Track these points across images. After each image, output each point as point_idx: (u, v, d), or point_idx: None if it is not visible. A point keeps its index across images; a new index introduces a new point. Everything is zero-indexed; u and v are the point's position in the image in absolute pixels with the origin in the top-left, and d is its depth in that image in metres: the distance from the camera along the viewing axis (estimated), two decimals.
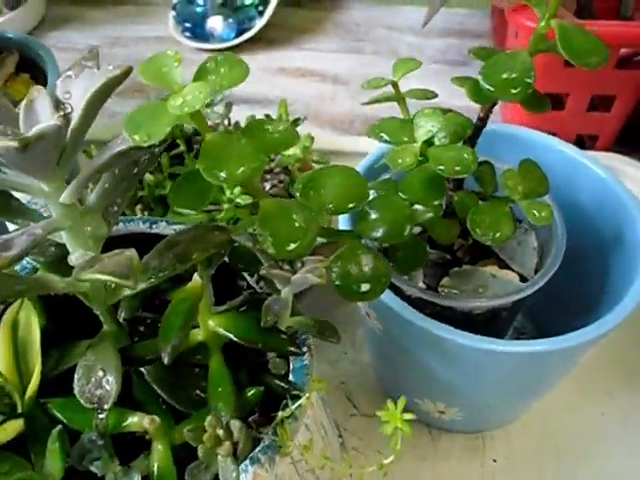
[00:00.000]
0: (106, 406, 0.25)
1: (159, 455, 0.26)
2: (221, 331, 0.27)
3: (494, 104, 0.33)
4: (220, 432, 0.25)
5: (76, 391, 0.25)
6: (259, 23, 0.79)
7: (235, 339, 0.27)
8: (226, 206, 0.42)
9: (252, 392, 0.27)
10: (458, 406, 0.40)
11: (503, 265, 0.37)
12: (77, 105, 0.24)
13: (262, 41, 0.81)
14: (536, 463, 0.43)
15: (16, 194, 0.26)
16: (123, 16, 0.87)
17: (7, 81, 0.51)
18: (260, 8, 0.80)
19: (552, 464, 0.43)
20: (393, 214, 0.32)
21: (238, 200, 0.42)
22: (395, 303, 0.33)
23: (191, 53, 0.80)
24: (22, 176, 0.23)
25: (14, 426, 0.26)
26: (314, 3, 0.88)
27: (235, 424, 0.25)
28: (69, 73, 0.25)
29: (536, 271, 0.36)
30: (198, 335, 0.28)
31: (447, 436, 0.44)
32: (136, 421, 0.26)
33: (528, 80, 0.30)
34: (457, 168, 0.31)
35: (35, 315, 0.26)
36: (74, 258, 0.25)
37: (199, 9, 0.79)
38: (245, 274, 0.32)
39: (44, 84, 0.52)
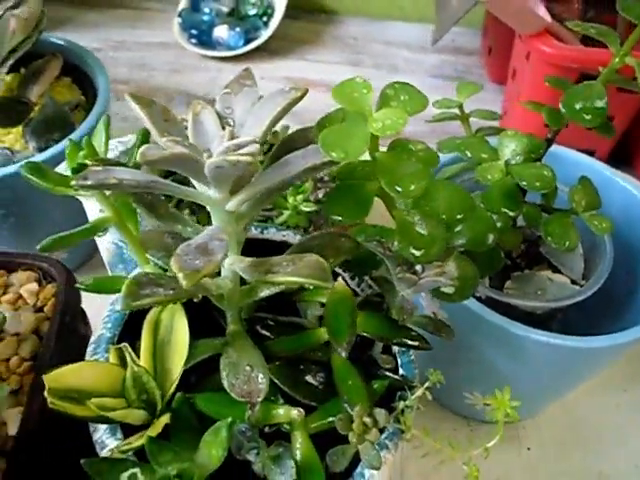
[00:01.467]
0: (258, 399, 0.27)
1: (302, 444, 0.28)
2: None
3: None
4: (367, 420, 0.27)
5: (226, 386, 0.27)
6: (265, 33, 0.81)
7: (368, 336, 0.29)
8: (289, 212, 0.44)
9: (378, 384, 0.30)
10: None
11: (555, 270, 0.41)
12: (240, 120, 0.26)
13: (265, 51, 0.83)
14: (565, 449, 0.48)
15: None
16: (122, 20, 0.87)
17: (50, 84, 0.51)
18: (264, 19, 0.82)
19: (579, 450, 0.48)
20: (477, 224, 0.35)
21: (302, 207, 0.44)
22: (472, 303, 0.37)
23: (196, 59, 0.82)
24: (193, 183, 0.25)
25: (164, 420, 0.27)
26: (309, 15, 0.91)
27: (380, 412, 0.27)
28: (227, 90, 0.27)
29: (583, 275, 0.41)
30: (325, 334, 0.30)
31: (485, 427, 0.48)
32: (282, 413, 0.28)
33: (602, 107, 0.34)
34: (537, 184, 0.34)
35: (182, 316, 0.28)
36: (228, 262, 0.27)
37: (205, 17, 0.81)
38: (346, 277, 0.35)
39: (88, 87, 0.52)
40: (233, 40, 0.79)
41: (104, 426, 0.28)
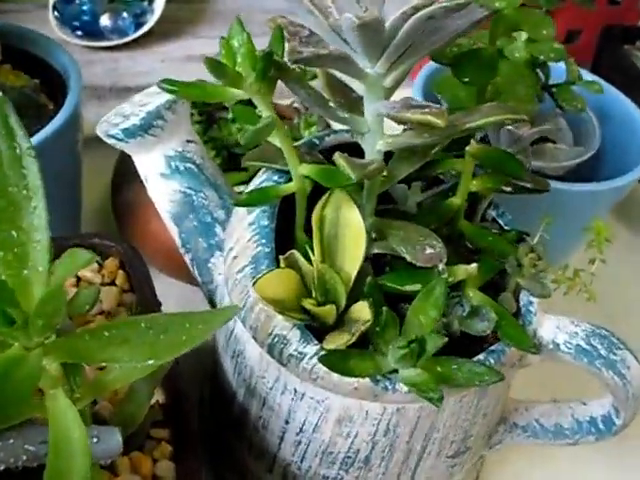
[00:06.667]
0: (443, 259, 0.28)
1: (475, 296, 0.30)
2: None
3: None
4: (532, 255, 0.30)
5: (410, 259, 0.28)
6: (153, 16, 0.78)
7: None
8: None
9: (508, 236, 0.33)
10: None
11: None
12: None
13: (155, 34, 0.80)
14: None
15: None
16: None
17: None
18: (146, 2, 0.79)
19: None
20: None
21: None
22: None
23: (87, 53, 0.76)
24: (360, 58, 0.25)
25: (365, 305, 0.28)
26: None
27: (539, 246, 0.30)
28: None
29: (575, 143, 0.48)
30: (456, 202, 0.32)
31: None
32: (462, 270, 0.29)
33: None
34: (552, 55, 0.40)
35: (351, 205, 0.28)
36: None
37: (84, 7, 0.76)
38: None
39: (38, 71, 0.48)
40: (124, 26, 0.76)
41: (296, 337, 0.28)
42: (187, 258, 0.38)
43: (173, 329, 0.21)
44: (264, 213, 0.30)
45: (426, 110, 0.23)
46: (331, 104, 0.27)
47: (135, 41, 0.78)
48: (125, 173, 0.50)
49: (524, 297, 0.32)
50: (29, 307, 0.21)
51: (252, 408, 0.33)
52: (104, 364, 0.21)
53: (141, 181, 0.38)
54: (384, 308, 0.26)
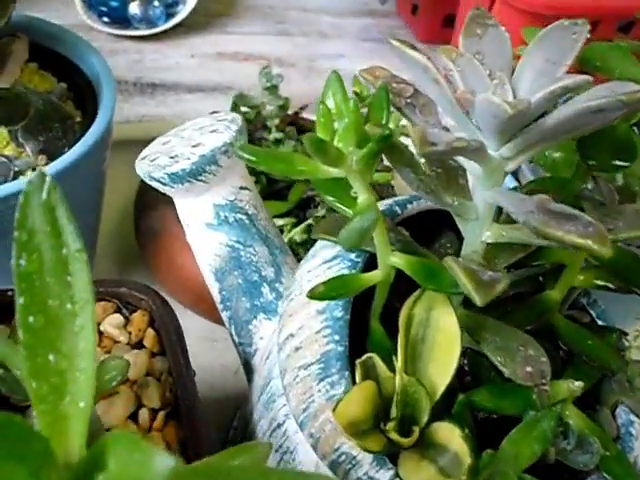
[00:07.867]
0: (547, 377, 0.24)
1: (572, 414, 0.25)
2: None
3: None
4: None
5: (508, 374, 0.24)
6: (186, 7, 0.72)
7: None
8: None
9: (608, 337, 0.28)
10: None
11: None
12: (499, 66, 0.22)
13: (183, 27, 0.75)
14: None
15: None
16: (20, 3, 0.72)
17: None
18: None
19: None
20: None
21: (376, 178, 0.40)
22: None
23: (111, 41, 0.71)
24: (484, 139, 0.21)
25: (454, 430, 0.23)
26: None
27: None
28: (477, 30, 0.23)
29: None
30: (556, 295, 0.28)
31: None
32: (564, 389, 0.25)
33: None
34: None
35: (448, 307, 0.23)
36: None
37: None
38: None
39: (67, 72, 0.43)
40: (154, 16, 0.70)
41: (368, 459, 0.23)
42: (225, 316, 0.33)
43: None
44: (338, 302, 0.25)
45: (581, 230, 0.18)
46: (440, 188, 0.22)
47: (163, 33, 0.72)
48: (150, 195, 0.45)
49: (623, 414, 0.27)
50: (64, 455, 0.16)
51: None
52: None
53: (169, 204, 0.33)
54: (488, 451, 0.22)
